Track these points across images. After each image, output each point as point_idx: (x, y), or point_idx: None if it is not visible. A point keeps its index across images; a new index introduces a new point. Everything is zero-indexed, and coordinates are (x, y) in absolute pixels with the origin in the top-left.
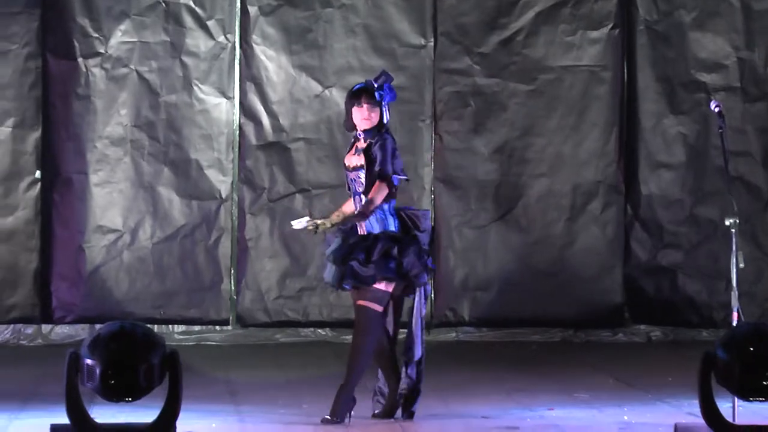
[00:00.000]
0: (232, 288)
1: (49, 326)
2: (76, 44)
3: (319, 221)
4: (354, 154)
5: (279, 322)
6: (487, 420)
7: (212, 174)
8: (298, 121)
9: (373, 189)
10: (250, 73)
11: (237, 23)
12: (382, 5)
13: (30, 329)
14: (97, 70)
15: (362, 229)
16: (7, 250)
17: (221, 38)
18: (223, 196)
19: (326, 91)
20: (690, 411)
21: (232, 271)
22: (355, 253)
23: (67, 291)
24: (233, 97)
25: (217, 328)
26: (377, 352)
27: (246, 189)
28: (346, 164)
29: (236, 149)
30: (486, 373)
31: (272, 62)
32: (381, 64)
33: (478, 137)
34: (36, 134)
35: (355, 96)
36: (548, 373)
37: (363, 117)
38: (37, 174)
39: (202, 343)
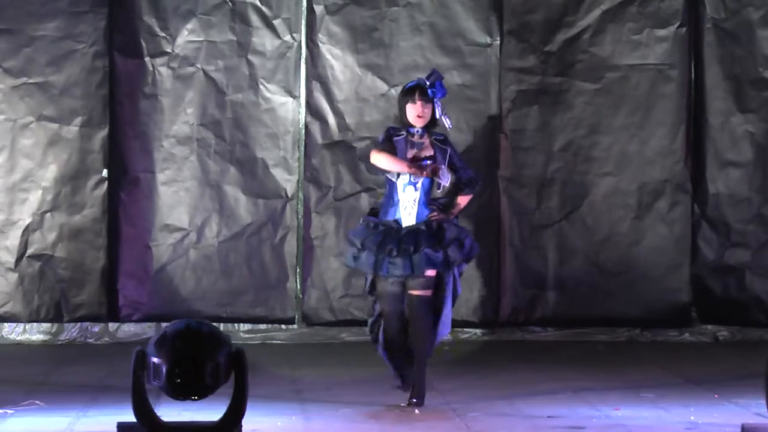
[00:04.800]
0: (298, 287)
1: (116, 324)
2: (143, 43)
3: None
4: (412, 148)
5: (344, 320)
6: (553, 419)
7: (278, 173)
8: (363, 119)
9: (467, 198)
10: (316, 72)
11: (303, 22)
12: (448, 3)
13: (97, 327)
14: (163, 69)
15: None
16: (74, 248)
17: (287, 37)
18: (289, 194)
19: (392, 90)
20: (757, 411)
21: (298, 270)
22: (425, 241)
23: (134, 289)
24: (299, 96)
25: (283, 326)
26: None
27: (312, 188)
28: (407, 157)
29: (302, 148)
30: (552, 372)
31: (338, 61)
32: (447, 62)
33: (544, 136)
34: (103, 133)
35: (409, 93)
36: (614, 372)
37: (417, 114)
38: (104, 173)
39: (268, 341)
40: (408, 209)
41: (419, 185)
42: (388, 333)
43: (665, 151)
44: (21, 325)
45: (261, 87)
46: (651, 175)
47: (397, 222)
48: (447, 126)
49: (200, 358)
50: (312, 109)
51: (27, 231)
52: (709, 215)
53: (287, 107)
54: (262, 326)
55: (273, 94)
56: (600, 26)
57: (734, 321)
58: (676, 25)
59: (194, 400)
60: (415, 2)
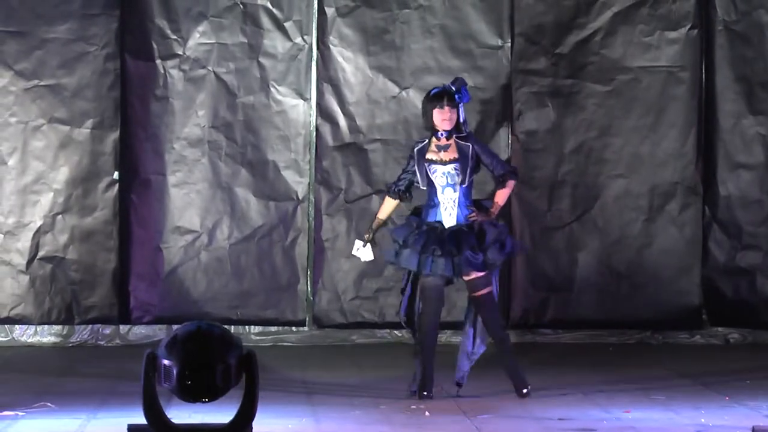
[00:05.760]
0: (309, 289)
1: (127, 326)
2: (155, 46)
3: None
4: (440, 152)
5: (355, 323)
6: (564, 422)
7: (289, 175)
8: (375, 122)
9: (508, 188)
10: (327, 75)
11: (314, 24)
12: (459, 6)
13: (108, 329)
14: (175, 72)
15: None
16: (85, 250)
17: (298, 39)
18: (300, 197)
19: (403, 92)
20: None
21: (309, 272)
22: (466, 244)
23: (145, 291)
24: (310, 99)
25: (294, 328)
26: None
27: (323, 190)
28: (434, 159)
29: (313, 150)
30: (562, 374)
31: (349, 63)
32: (458, 64)
33: (556, 138)
34: (114, 135)
35: (436, 99)
36: (625, 374)
37: (443, 118)
38: (116, 175)
39: (279, 343)
40: (448, 210)
41: (457, 186)
42: (424, 328)
43: (676, 153)
44: (32, 327)
45: (272, 89)
46: (662, 177)
47: (440, 223)
48: (464, 132)
49: (211, 361)
50: (323, 112)
51: (38, 233)
52: (720, 217)
53: (298, 109)
54: (273, 328)
55: (284, 97)
56: (611, 28)
57: (745, 323)
58: (687, 27)
59: (205, 402)
60: (427, 5)
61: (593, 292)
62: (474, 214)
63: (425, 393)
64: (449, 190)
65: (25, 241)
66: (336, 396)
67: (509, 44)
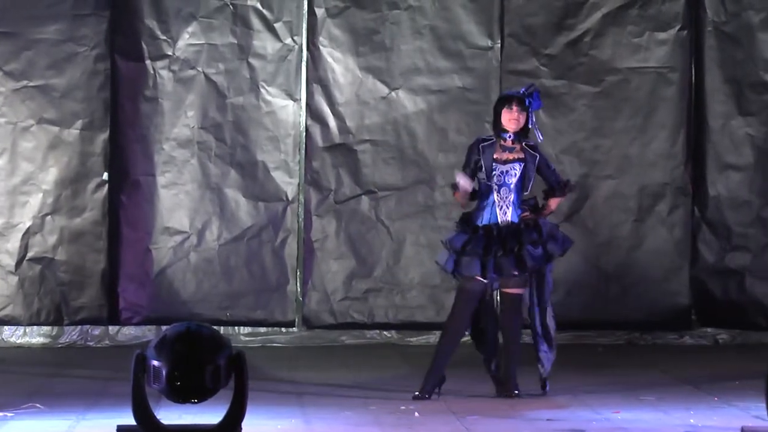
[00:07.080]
0: (298, 289)
1: (116, 327)
2: (145, 46)
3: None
4: (504, 152)
5: (345, 323)
6: (553, 422)
7: (279, 175)
8: (364, 122)
9: (557, 200)
10: (317, 75)
11: (304, 25)
12: (449, 7)
13: (97, 330)
14: (164, 72)
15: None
16: (75, 251)
17: (288, 40)
18: (290, 197)
19: (393, 93)
20: (757, 414)
21: (298, 273)
22: (526, 239)
23: (134, 292)
24: (300, 99)
25: (283, 329)
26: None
27: (312, 190)
28: (496, 158)
29: (302, 151)
30: (552, 375)
31: (339, 64)
32: (448, 65)
33: (545, 138)
34: (104, 136)
35: (506, 100)
36: (614, 375)
37: (511, 118)
38: (105, 175)
39: (268, 344)
40: (503, 209)
41: (512, 186)
42: (449, 329)
43: (666, 154)
44: (21, 328)
45: (262, 90)
46: (651, 178)
47: (496, 224)
48: (538, 138)
49: (200, 361)
50: (313, 112)
51: (27, 234)
52: (709, 218)
53: (288, 110)
54: (263, 329)
55: (274, 97)
56: (601, 29)
57: (734, 324)
58: (677, 28)
59: (194, 403)
60: (417, 5)
61: (582, 292)
62: (527, 212)
63: (417, 393)
64: (505, 189)
65: (14, 242)
66: (326, 397)
67: (499, 45)
